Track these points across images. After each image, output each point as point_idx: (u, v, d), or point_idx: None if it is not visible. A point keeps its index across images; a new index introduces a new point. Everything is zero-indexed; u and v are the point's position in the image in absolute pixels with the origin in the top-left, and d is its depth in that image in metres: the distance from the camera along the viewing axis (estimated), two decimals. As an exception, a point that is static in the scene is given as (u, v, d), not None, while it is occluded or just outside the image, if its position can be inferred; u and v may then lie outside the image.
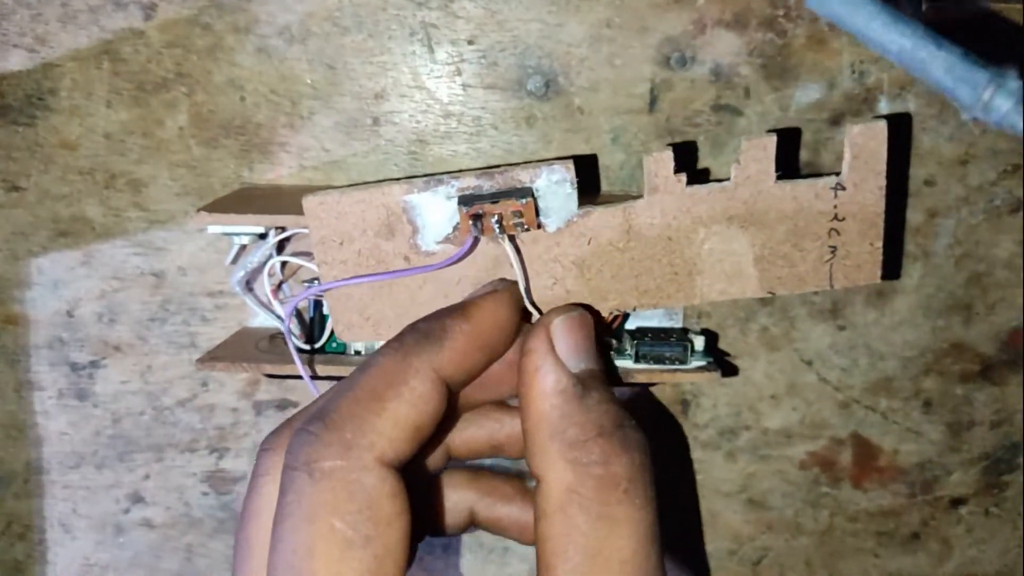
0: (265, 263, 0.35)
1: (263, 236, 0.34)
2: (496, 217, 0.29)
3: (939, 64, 0.23)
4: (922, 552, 0.42)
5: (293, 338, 0.32)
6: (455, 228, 0.30)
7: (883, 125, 0.29)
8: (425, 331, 0.25)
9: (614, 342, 0.34)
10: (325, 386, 0.37)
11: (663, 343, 0.33)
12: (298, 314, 0.36)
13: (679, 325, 0.36)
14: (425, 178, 0.29)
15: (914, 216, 0.36)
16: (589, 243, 0.31)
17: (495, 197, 0.29)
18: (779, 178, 0.30)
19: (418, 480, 0.29)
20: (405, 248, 0.30)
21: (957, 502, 0.41)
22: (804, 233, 0.30)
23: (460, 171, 0.30)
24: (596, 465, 0.23)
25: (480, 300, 0.27)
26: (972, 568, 0.42)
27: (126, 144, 0.35)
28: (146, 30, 0.34)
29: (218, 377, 0.39)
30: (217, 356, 0.34)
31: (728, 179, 0.30)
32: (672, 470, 0.40)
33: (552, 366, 0.25)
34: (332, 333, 0.34)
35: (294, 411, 0.39)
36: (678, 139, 0.35)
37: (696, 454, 0.40)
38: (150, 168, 0.36)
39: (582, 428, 0.24)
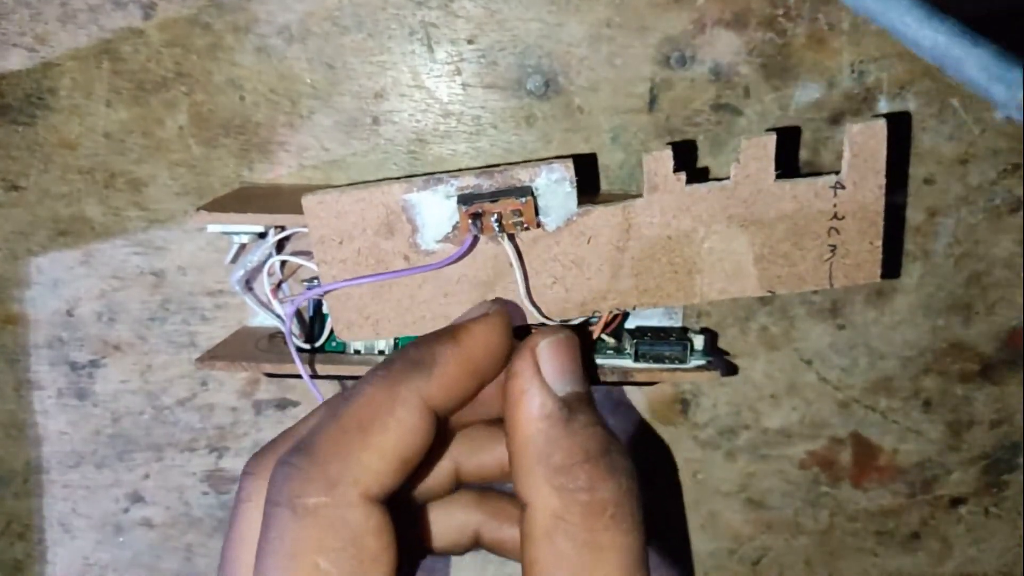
0: (265, 262, 0.35)
1: (263, 235, 0.34)
2: (496, 216, 0.29)
3: (974, 61, 0.23)
4: (922, 552, 0.42)
5: (293, 338, 0.32)
6: (454, 227, 0.30)
7: (883, 124, 0.29)
8: (413, 358, 0.25)
9: (612, 340, 0.34)
10: (324, 385, 0.37)
11: (662, 342, 0.33)
12: (297, 313, 0.36)
13: (679, 324, 0.36)
14: (425, 177, 0.29)
15: (914, 215, 0.36)
16: (588, 242, 0.31)
17: (495, 196, 0.29)
18: (779, 177, 0.30)
19: (412, 504, 0.29)
20: (404, 247, 0.30)
21: (957, 502, 0.41)
22: (804, 232, 0.30)
23: (460, 170, 0.30)
24: (582, 491, 0.23)
25: (470, 324, 0.27)
26: (972, 568, 0.42)
27: (126, 143, 0.35)
28: (146, 29, 0.34)
29: (218, 376, 0.39)
30: (217, 355, 0.34)
31: (728, 178, 0.30)
32: (660, 478, 0.40)
33: (538, 390, 0.25)
34: (332, 332, 0.34)
35: (294, 411, 0.39)
36: (678, 138, 0.35)
37: (696, 454, 0.40)
38: (150, 167, 0.36)
39: (568, 453, 0.23)
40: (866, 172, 0.30)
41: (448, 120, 0.35)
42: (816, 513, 0.41)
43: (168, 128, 0.35)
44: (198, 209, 0.31)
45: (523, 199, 0.29)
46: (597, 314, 0.32)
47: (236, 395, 0.39)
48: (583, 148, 0.35)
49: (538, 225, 0.30)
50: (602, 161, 0.35)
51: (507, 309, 0.28)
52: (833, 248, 0.31)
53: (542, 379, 0.25)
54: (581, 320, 0.32)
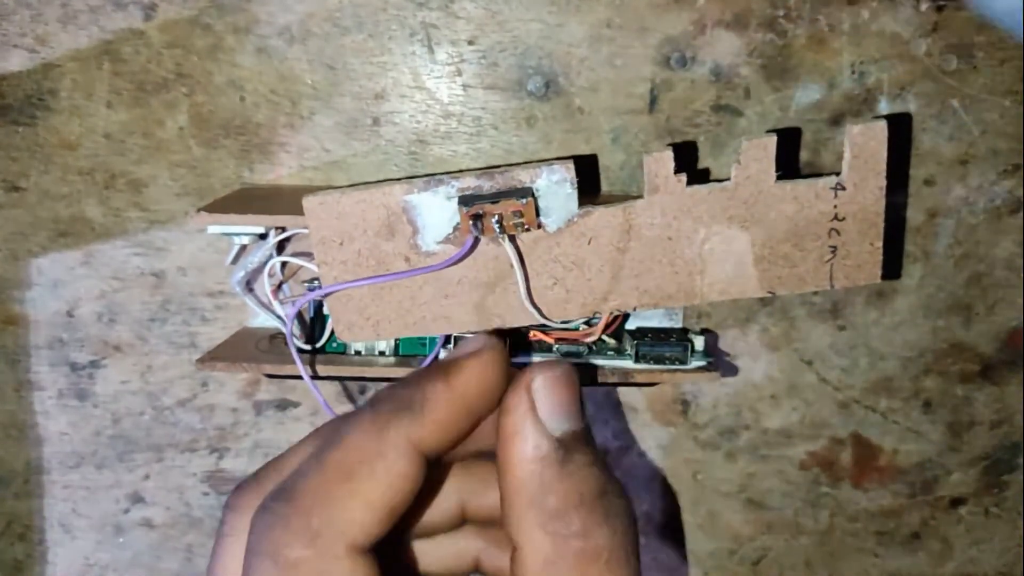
0: (265, 263, 0.35)
1: (263, 236, 0.34)
2: (496, 217, 0.29)
3: None
4: (922, 552, 0.42)
5: (293, 339, 0.32)
6: (455, 228, 0.30)
7: (883, 125, 0.29)
8: (402, 399, 0.23)
9: (613, 342, 0.34)
10: (325, 386, 0.38)
11: (663, 343, 0.33)
12: (298, 314, 0.36)
13: (679, 325, 0.36)
14: (425, 178, 0.29)
15: (914, 216, 0.36)
16: (589, 243, 0.31)
17: (495, 197, 0.29)
18: (779, 178, 0.30)
19: (407, 535, 0.28)
20: (405, 248, 0.30)
21: (957, 502, 0.41)
22: (804, 233, 0.30)
23: (460, 171, 0.30)
24: (576, 537, 0.22)
25: (464, 362, 0.25)
26: (972, 568, 0.42)
27: (126, 144, 0.35)
28: (146, 30, 0.34)
29: (218, 377, 0.39)
30: (217, 356, 0.34)
31: (728, 179, 0.30)
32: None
33: (531, 430, 0.23)
34: (332, 333, 0.34)
35: (294, 412, 0.39)
36: (678, 139, 0.35)
37: (696, 454, 0.40)
38: (150, 168, 0.36)
39: (562, 497, 0.22)
40: (867, 173, 0.30)
41: (449, 121, 0.35)
42: (816, 513, 0.41)
43: (168, 129, 0.35)
44: (199, 210, 0.31)
45: (524, 200, 0.29)
46: (598, 315, 0.32)
47: (236, 396, 0.39)
48: (584, 149, 0.35)
49: (539, 226, 0.30)
50: (603, 162, 0.35)
51: (503, 343, 0.27)
52: (834, 249, 0.31)
53: (536, 417, 0.24)
54: (580, 357, 0.32)
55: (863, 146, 0.29)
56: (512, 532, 0.23)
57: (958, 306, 0.38)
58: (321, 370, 0.33)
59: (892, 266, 0.37)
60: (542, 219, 0.30)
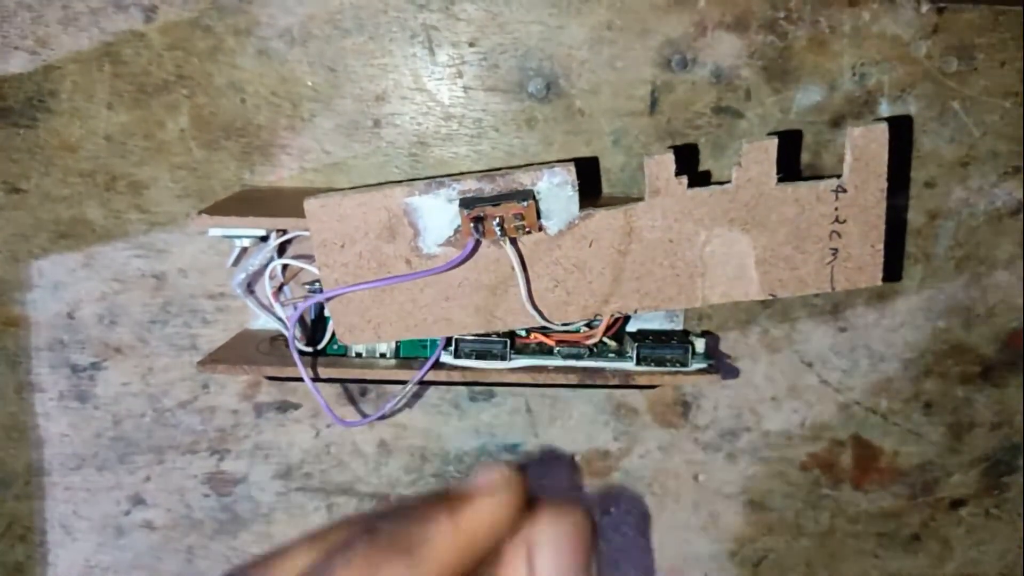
0: (266, 265, 0.35)
1: (264, 238, 0.34)
2: (497, 220, 0.29)
3: None
4: (922, 553, 0.42)
5: (295, 341, 0.32)
6: (456, 231, 0.30)
7: (884, 127, 0.29)
8: (402, 540, 0.21)
9: (614, 344, 0.34)
10: (326, 388, 0.37)
11: (664, 345, 0.33)
12: (299, 316, 0.36)
13: (680, 327, 0.36)
14: (426, 180, 0.29)
15: (915, 218, 0.36)
16: (590, 245, 0.31)
17: (496, 200, 0.29)
18: (780, 180, 0.30)
19: None
20: (406, 251, 0.30)
21: (957, 503, 0.41)
22: (805, 235, 0.30)
23: (461, 173, 0.30)
24: None
25: (476, 499, 0.22)
26: (972, 569, 0.42)
27: (127, 146, 0.35)
28: (147, 32, 0.34)
29: (219, 379, 0.39)
30: (218, 358, 0.34)
31: (729, 181, 0.30)
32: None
33: None
34: (333, 335, 0.34)
35: (294, 414, 0.39)
36: (679, 141, 0.35)
37: (697, 456, 0.40)
38: (151, 170, 0.36)
39: None
40: (867, 175, 0.30)
41: (449, 123, 0.35)
42: (817, 515, 0.41)
43: (169, 131, 0.35)
44: (199, 212, 0.31)
45: (525, 203, 0.29)
46: (599, 317, 0.32)
47: (237, 398, 0.39)
48: (584, 151, 0.35)
49: (540, 229, 0.30)
50: (604, 164, 0.35)
51: (523, 477, 0.24)
52: (835, 251, 0.31)
53: None
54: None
55: (864, 148, 0.29)
56: None
57: (958, 308, 0.38)
58: (322, 372, 0.33)
59: (893, 268, 0.37)
60: (543, 221, 0.30)
